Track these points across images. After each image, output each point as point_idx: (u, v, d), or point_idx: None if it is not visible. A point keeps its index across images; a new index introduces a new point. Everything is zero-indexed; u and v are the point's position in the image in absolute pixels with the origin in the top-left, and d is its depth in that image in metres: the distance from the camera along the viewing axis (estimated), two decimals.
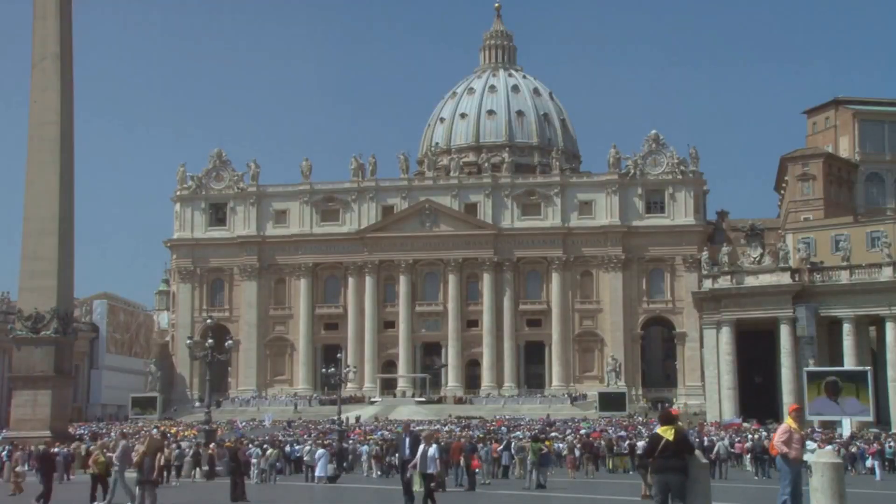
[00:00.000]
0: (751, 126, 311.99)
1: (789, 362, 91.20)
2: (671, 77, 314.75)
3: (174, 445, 48.64)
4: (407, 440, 30.28)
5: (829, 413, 77.03)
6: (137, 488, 28.49)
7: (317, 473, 46.14)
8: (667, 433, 18.17)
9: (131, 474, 31.27)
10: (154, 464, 27.95)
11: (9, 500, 38.03)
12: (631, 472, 52.36)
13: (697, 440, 62.57)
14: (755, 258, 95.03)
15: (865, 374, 77.22)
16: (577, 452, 54.87)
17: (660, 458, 18.12)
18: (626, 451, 56.36)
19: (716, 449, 52.58)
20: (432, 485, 28.88)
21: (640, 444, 51.63)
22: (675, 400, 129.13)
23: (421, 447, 29.16)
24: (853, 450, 57.01)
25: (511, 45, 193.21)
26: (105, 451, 31.18)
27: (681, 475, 17.95)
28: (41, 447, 37.52)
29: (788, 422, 21.76)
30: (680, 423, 19.76)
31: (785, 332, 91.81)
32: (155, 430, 37.67)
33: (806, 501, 20.81)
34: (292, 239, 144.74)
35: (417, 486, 40.59)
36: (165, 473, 41.88)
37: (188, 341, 72.95)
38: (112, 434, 76.26)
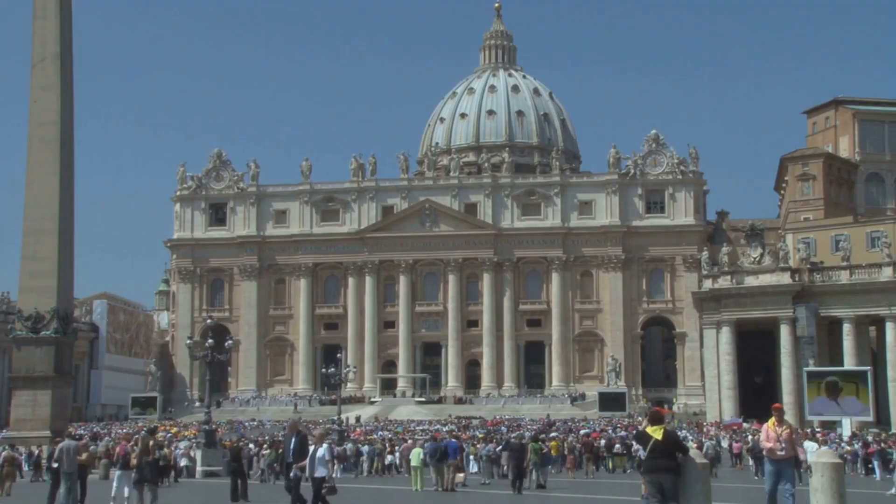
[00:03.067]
0: (751, 126, 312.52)
1: (789, 362, 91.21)
2: (671, 77, 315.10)
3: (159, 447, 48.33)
4: (293, 440, 26.95)
5: (829, 413, 77.01)
6: (135, 489, 28.47)
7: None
8: (655, 433, 18.11)
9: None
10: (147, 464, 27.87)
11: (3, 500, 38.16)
12: (628, 472, 52.36)
13: (697, 440, 62.62)
14: (755, 258, 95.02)
15: (865, 374, 77.20)
16: (576, 452, 54.82)
17: (650, 459, 18.07)
18: (623, 452, 56.24)
19: (704, 448, 52.51)
20: (323, 490, 25.58)
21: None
22: (675, 400, 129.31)
23: (310, 448, 25.92)
24: (855, 447, 56.91)
25: (511, 45, 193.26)
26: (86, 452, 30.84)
27: (672, 475, 17.89)
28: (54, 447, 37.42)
29: (770, 421, 22.21)
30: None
31: (785, 332, 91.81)
32: (144, 430, 37.52)
33: (806, 500, 20.87)
34: (292, 239, 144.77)
35: (418, 486, 40.46)
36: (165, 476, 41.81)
37: (188, 341, 72.86)
38: (112, 434, 76.21)
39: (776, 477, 22.05)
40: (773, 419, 22.30)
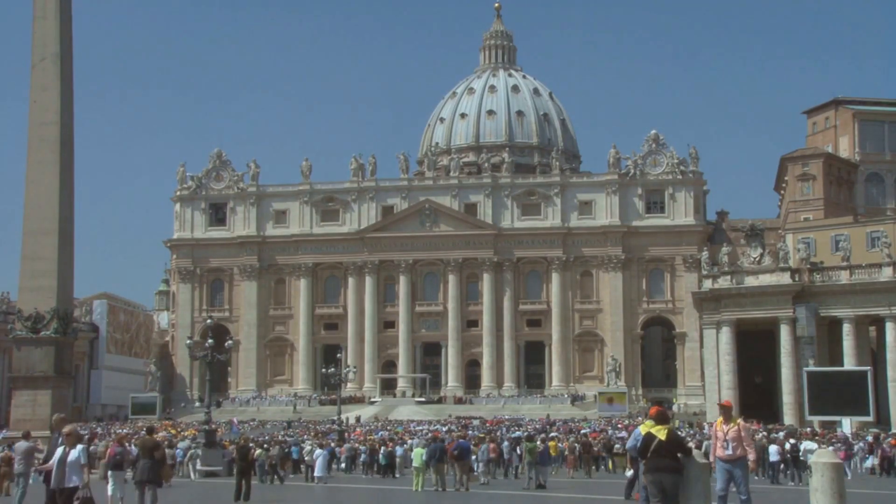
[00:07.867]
0: (751, 126, 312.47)
1: (789, 362, 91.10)
2: (671, 77, 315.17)
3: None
4: (60, 442, 22.37)
5: (829, 413, 76.90)
6: (136, 489, 28.47)
7: (316, 473, 46.17)
8: (660, 433, 18.01)
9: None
10: (148, 464, 27.83)
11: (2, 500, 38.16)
12: (629, 472, 52.20)
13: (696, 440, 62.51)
14: (755, 258, 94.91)
15: (865, 374, 77.11)
16: (577, 452, 54.81)
17: (653, 459, 17.98)
18: (622, 452, 56.19)
19: (704, 448, 52.43)
20: (76, 502, 20.82)
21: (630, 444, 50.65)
22: (675, 400, 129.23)
23: (59, 451, 21.39)
24: (856, 447, 56.85)
25: (511, 45, 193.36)
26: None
27: (675, 475, 17.83)
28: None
29: (717, 420, 21.47)
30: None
31: (785, 332, 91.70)
32: (144, 430, 37.50)
33: (805, 500, 20.77)
34: (292, 239, 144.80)
35: (418, 486, 40.40)
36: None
37: (188, 341, 72.88)
38: (111, 435, 76.21)
39: (727, 478, 20.85)
40: (720, 418, 21.24)
